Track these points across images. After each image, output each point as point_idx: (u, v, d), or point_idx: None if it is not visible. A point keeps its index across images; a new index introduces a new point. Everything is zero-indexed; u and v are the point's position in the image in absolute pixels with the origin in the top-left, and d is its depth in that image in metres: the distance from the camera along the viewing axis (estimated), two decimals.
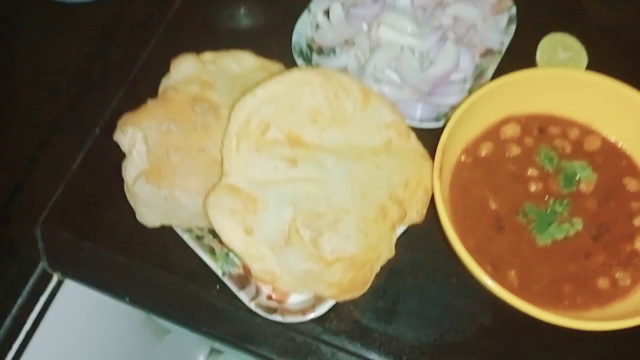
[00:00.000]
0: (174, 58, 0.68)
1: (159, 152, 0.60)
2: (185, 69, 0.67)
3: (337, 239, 0.57)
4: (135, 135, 0.60)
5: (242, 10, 0.86)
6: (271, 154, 0.58)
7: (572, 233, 0.66)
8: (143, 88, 0.69)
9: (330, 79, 0.62)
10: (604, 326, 0.58)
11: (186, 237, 0.65)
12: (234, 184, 0.56)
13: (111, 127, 0.63)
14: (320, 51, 0.81)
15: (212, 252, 0.65)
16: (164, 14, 0.85)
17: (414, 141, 0.68)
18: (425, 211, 0.67)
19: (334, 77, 0.63)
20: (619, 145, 0.72)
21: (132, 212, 0.63)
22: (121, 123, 0.62)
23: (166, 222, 0.62)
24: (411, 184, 0.65)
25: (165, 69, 0.68)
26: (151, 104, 0.63)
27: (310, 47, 0.81)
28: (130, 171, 0.61)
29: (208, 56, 0.69)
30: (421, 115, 0.76)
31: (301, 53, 0.79)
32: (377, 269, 0.62)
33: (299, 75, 0.61)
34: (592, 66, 0.79)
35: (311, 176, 0.59)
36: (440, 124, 0.74)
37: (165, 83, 0.67)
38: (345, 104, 0.63)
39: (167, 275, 0.68)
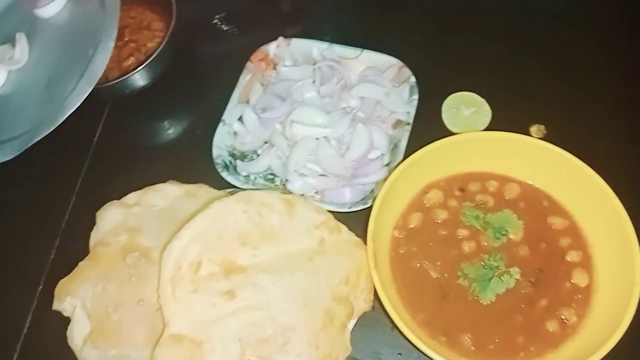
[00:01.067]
0: (98, 209, 0.69)
1: (99, 313, 0.61)
2: (111, 218, 0.68)
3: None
4: (73, 302, 0.61)
5: (158, 139, 0.88)
6: (207, 291, 0.60)
7: (511, 284, 0.68)
8: (72, 244, 0.69)
9: (250, 201, 0.65)
10: None
11: None
12: (177, 332, 0.58)
13: (49, 294, 0.64)
14: (243, 156, 0.84)
15: None
16: (80, 162, 0.86)
17: (345, 233, 0.71)
18: (372, 296, 0.69)
19: (254, 198, 0.65)
20: (537, 187, 0.76)
21: None
22: (57, 293, 0.63)
23: None
24: (351, 277, 0.67)
25: (92, 220, 0.69)
26: (82, 265, 0.64)
27: (233, 155, 0.83)
28: (75, 337, 0.61)
29: (131, 198, 0.71)
30: (350, 198, 0.78)
31: (225, 166, 0.81)
32: None
33: (220, 207, 0.63)
34: (496, 114, 0.84)
35: (251, 302, 0.60)
36: (368, 205, 0.76)
37: (94, 237, 0.68)
38: (271, 220, 0.66)
39: None
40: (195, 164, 0.81)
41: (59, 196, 0.83)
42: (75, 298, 0.62)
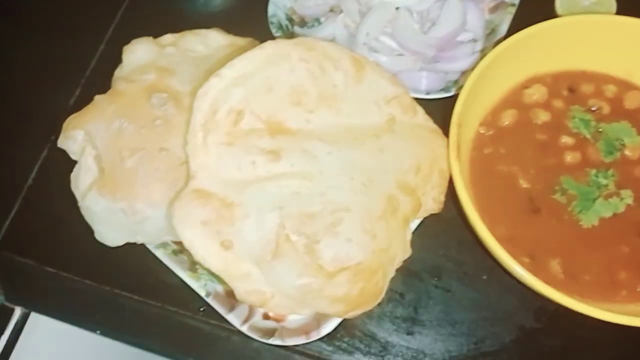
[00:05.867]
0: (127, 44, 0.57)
1: (112, 156, 0.50)
2: (140, 56, 0.56)
3: (337, 244, 0.46)
4: (82, 140, 0.50)
5: None
6: (247, 146, 0.47)
7: (621, 208, 0.56)
8: (101, 85, 0.59)
9: (313, 49, 0.51)
10: None
11: (160, 254, 0.55)
12: (203, 188, 0.45)
13: None
14: (303, 22, 0.71)
15: (192, 268, 0.54)
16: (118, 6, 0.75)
17: (421, 116, 0.57)
18: (443, 198, 0.56)
19: (317, 47, 0.52)
20: None
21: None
22: (65, 126, 0.51)
23: (131, 240, 0.52)
24: (423, 168, 0.54)
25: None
26: (98, 99, 0.52)
27: (290, 19, 0.70)
28: (81, 182, 0.50)
29: (167, 38, 0.59)
30: (427, 85, 0.65)
31: (280, 26, 0.68)
32: (391, 273, 0.51)
33: (274, 48, 0.50)
34: (623, 11, 0.67)
35: (299, 169, 0.48)
36: (450, 94, 0.63)
37: (117, 74, 0.56)
38: (334, 78, 0.52)
39: (142, 300, 0.58)
40: (247, 21, 0.68)
41: (92, 31, 0.73)
42: (85, 134, 0.51)
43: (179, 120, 0.51)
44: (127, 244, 0.53)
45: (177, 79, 0.54)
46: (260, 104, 0.49)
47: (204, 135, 0.47)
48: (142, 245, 0.55)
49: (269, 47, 0.50)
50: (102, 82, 0.58)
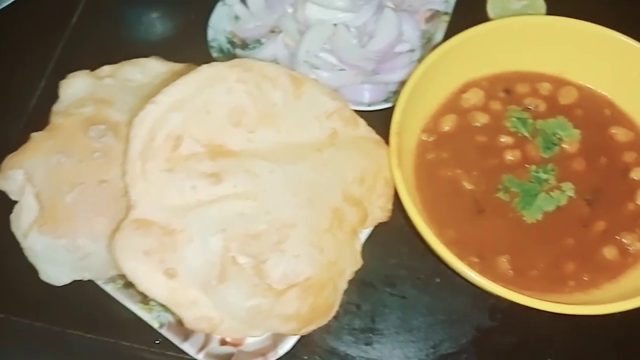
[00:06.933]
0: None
1: (51, 192, 0.49)
2: (77, 89, 0.56)
3: (285, 261, 0.46)
4: (20, 179, 0.49)
5: (147, 15, 0.75)
6: (187, 171, 0.47)
7: (563, 201, 0.57)
8: (42, 122, 0.58)
9: (250, 70, 0.52)
10: (622, 306, 0.48)
11: (110, 289, 0.54)
12: (144, 217, 0.45)
13: None
14: (244, 44, 0.71)
15: (144, 301, 0.53)
16: (60, 33, 0.74)
17: (363, 128, 0.58)
18: (390, 206, 0.57)
19: (255, 67, 0.52)
20: (598, 92, 0.62)
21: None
22: (2, 167, 0.51)
23: (78, 277, 0.51)
24: (367, 178, 0.55)
25: None
26: (35, 136, 0.51)
27: (231, 42, 0.70)
28: (22, 222, 0.49)
29: (105, 70, 0.58)
30: (370, 97, 0.66)
31: (221, 50, 0.68)
32: (342, 286, 0.52)
33: (210, 71, 0.50)
34: (552, 12, 0.70)
35: (242, 190, 0.48)
36: (391, 104, 0.64)
37: (55, 109, 0.55)
38: (273, 97, 0.53)
39: (95, 338, 0.57)
40: (186, 48, 0.69)
41: (31, 69, 0.72)
42: (24, 173, 0.50)
43: (118, 151, 0.51)
44: (75, 281, 0.52)
45: (116, 109, 0.54)
46: (199, 128, 0.49)
47: (142, 163, 0.47)
48: (91, 281, 0.54)
49: (204, 70, 0.51)
50: (43, 119, 0.57)
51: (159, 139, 0.47)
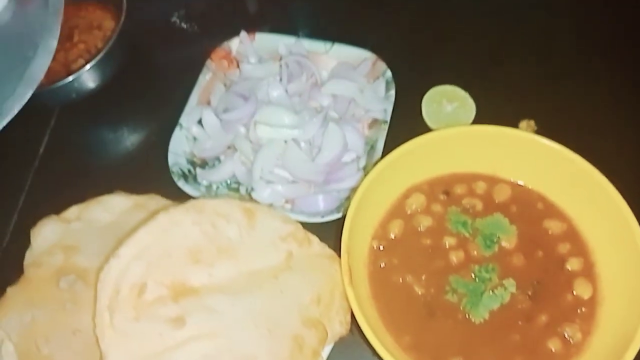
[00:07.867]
0: (33, 226, 0.61)
1: (28, 346, 0.52)
2: (46, 236, 0.59)
3: None
4: None
5: (110, 141, 0.80)
6: (152, 318, 0.51)
7: (506, 298, 0.61)
8: (10, 272, 0.60)
9: (202, 211, 0.56)
10: None
11: None
12: None
13: None
14: (204, 164, 0.76)
15: None
16: (25, 176, 0.77)
17: (316, 245, 0.62)
18: (349, 317, 0.60)
19: (207, 207, 0.57)
20: (529, 188, 0.68)
21: None
22: None
23: None
24: (324, 296, 0.59)
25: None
26: (10, 292, 0.55)
27: (192, 163, 0.75)
28: None
29: (72, 212, 0.63)
30: (324, 206, 0.70)
31: (182, 174, 0.73)
32: None
33: (165, 219, 0.55)
34: (481, 109, 0.77)
35: (204, 330, 0.51)
36: (341, 214, 0.68)
37: (28, 258, 0.59)
38: (227, 232, 0.57)
39: None
40: (149, 173, 0.73)
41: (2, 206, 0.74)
42: (1, 330, 0.53)
43: (88, 297, 0.54)
44: None
45: (83, 254, 0.58)
46: (161, 271, 0.53)
47: (110, 315, 0.50)
48: None
49: (162, 218, 0.55)
50: (14, 264, 0.60)
51: (124, 290, 0.51)
